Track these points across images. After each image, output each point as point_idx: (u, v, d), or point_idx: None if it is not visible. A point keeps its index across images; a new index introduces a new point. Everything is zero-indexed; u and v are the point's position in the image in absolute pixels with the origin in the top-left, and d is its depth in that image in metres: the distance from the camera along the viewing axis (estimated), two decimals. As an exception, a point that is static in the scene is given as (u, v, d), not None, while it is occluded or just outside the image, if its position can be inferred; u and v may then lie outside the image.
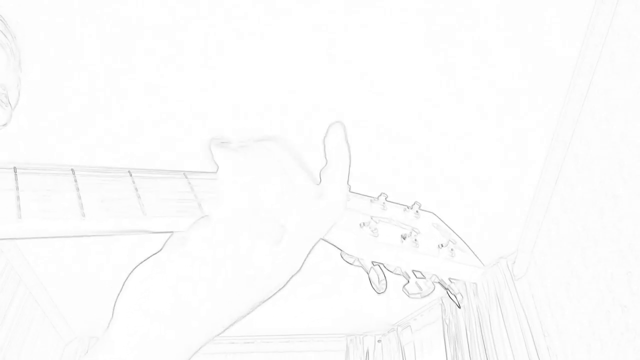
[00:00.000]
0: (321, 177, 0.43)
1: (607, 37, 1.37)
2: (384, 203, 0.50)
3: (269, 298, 0.41)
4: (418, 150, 1.72)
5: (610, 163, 1.44)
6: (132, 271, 0.37)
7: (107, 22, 1.33)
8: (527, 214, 1.94)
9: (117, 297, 0.36)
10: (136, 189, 0.37)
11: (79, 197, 0.34)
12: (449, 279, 0.48)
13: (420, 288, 0.47)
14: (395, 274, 0.46)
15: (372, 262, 0.45)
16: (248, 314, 0.40)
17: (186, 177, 0.40)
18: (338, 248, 0.45)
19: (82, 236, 0.34)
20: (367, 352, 2.74)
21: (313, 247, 0.42)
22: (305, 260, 0.41)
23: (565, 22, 1.36)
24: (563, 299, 1.79)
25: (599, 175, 1.50)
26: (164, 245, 0.38)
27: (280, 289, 0.41)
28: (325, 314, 2.68)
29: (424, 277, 0.47)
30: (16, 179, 0.33)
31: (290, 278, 0.41)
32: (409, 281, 0.46)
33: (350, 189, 0.49)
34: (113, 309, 0.36)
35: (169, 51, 1.41)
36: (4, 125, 0.57)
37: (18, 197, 0.32)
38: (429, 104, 1.57)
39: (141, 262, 0.37)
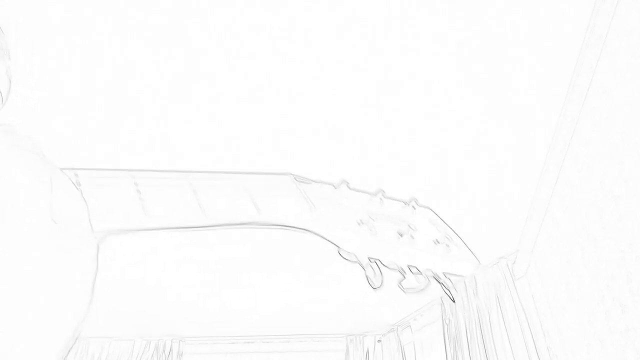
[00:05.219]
0: None
1: (607, 37, 1.37)
2: (381, 199, 0.51)
3: None
4: (418, 150, 1.72)
5: (610, 163, 1.44)
6: None
7: (107, 23, 1.33)
8: (527, 214, 1.94)
9: None
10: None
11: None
12: (444, 273, 0.49)
13: (415, 283, 0.48)
14: (390, 269, 0.47)
15: (369, 258, 0.46)
16: None
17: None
18: (336, 245, 0.46)
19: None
20: (367, 352, 2.74)
21: None
22: None
23: (565, 22, 1.36)
24: (563, 299, 1.79)
25: (599, 175, 1.50)
26: None
27: None
28: (325, 314, 2.68)
29: (420, 272, 0.48)
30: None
31: None
32: (404, 277, 0.47)
33: (349, 185, 0.50)
34: None
35: (170, 55, 1.41)
36: None
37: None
38: (430, 104, 1.57)
39: None
